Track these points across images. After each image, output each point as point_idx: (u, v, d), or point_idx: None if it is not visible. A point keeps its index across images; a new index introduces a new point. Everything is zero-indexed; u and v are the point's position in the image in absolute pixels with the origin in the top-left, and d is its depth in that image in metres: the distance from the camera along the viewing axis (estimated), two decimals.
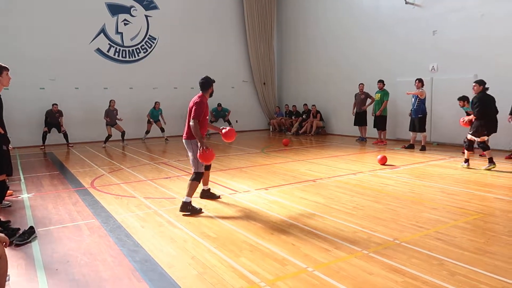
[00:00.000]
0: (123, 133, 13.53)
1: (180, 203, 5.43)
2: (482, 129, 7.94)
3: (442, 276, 3.34)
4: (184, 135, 5.60)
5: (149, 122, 14.57)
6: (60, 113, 13.25)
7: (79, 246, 4.28)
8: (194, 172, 5.57)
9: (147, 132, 14.69)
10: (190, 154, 5.59)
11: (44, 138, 12.95)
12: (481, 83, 8.05)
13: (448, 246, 4.00)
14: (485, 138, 8.06)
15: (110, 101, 13.46)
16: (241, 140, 14.55)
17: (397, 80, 12.66)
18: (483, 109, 7.85)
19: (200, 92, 5.62)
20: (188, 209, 5.35)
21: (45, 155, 11.69)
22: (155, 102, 14.48)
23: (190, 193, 5.44)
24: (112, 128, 13.39)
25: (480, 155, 9.46)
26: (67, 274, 3.62)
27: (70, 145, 13.39)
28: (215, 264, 3.73)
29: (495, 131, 8.36)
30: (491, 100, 8.11)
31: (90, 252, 4.11)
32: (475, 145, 8.30)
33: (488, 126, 8.04)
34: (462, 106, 9.77)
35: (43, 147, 12.91)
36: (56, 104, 13.20)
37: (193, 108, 5.43)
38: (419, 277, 3.33)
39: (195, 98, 5.55)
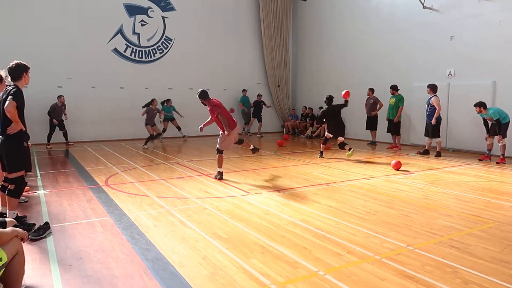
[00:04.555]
0: (160, 132, 13.30)
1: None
2: None
3: (456, 284, 3.29)
4: None
5: (164, 120, 14.64)
6: (65, 106, 13.13)
7: (92, 243, 4.33)
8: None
9: (164, 130, 14.77)
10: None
11: (49, 137, 12.90)
12: None
13: (462, 254, 3.94)
14: None
15: (153, 100, 13.13)
16: (254, 142, 14.56)
17: (414, 85, 12.53)
18: None
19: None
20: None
21: (58, 153, 11.86)
22: (168, 100, 14.68)
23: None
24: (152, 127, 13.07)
25: (497, 163, 9.31)
26: (80, 270, 3.67)
27: (69, 143, 13.35)
28: (226, 264, 3.73)
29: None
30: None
31: (103, 249, 4.16)
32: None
33: None
34: (479, 112, 9.61)
35: (49, 146, 12.82)
36: (63, 96, 13.08)
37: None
38: (432, 285, 3.28)
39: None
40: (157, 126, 13.40)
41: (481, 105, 9.49)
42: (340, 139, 10.41)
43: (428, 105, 10.62)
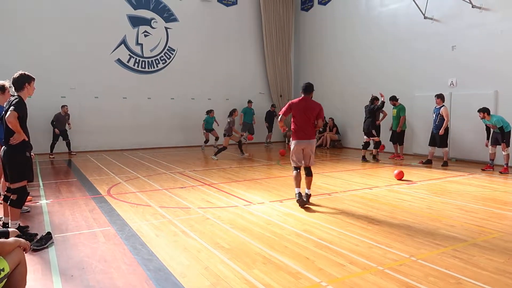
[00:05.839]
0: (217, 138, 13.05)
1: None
2: None
3: None
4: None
5: (206, 130, 14.36)
6: (68, 116, 13.18)
7: (94, 253, 4.32)
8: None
9: (206, 141, 14.61)
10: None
11: (52, 146, 12.93)
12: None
13: (465, 265, 3.91)
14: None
15: (235, 110, 12.71)
16: (257, 151, 14.57)
17: (416, 94, 12.55)
18: None
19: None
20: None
21: (61, 162, 11.89)
22: (211, 110, 14.40)
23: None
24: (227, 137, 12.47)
25: (500, 172, 9.27)
26: (82, 280, 3.66)
27: (72, 153, 13.40)
28: (228, 275, 3.72)
29: None
30: None
31: (105, 259, 4.15)
32: None
33: None
34: (482, 118, 9.59)
35: (52, 155, 12.86)
36: (66, 106, 13.11)
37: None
38: None
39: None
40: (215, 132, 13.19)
41: (485, 111, 9.48)
42: (365, 138, 11.76)
43: (437, 115, 10.59)
